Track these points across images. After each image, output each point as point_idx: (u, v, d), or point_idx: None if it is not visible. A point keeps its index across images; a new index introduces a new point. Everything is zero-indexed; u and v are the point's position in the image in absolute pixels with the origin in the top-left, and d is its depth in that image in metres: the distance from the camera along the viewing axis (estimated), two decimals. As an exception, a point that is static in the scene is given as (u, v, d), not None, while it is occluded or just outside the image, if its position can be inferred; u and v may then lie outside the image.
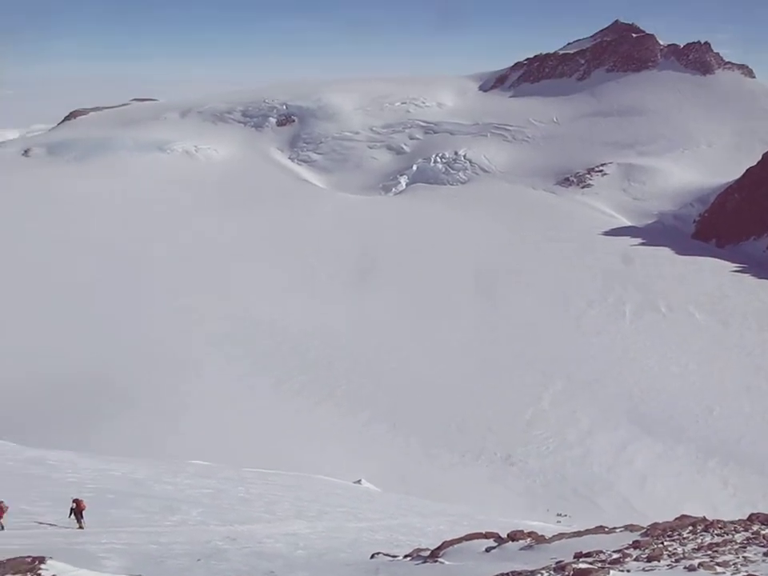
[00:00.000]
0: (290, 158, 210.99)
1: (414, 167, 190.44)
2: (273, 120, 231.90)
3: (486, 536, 23.21)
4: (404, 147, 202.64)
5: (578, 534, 23.48)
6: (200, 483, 40.46)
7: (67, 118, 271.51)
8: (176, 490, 37.29)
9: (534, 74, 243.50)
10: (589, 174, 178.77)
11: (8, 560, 11.73)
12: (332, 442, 71.38)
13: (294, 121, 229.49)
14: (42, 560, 11.80)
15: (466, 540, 22.64)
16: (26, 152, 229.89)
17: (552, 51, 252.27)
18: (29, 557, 11.96)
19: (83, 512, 24.94)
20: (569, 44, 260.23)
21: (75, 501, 25.09)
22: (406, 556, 21.95)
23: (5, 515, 22.38)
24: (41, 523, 24.72)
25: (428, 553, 21.63)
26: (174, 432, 69.54)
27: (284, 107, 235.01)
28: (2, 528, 22.02)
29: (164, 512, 30.86)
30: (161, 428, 70.97)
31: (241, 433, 71.58)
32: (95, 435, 66.13)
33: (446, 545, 22.07)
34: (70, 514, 24.83)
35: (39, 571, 11.49)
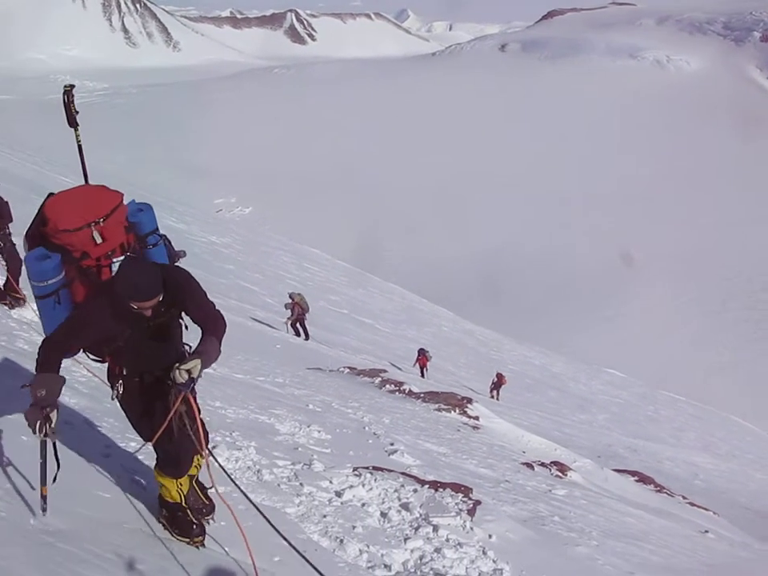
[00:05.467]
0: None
1: None
2: (756, 35, 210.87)
3: None
4: None
5: None
6: (612, 392, 40.72)
7: (545, 17, 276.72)
8: (589, 392, 38.05)
9: None
10: None
11: (441, 392, 13.29)
12: (759, 385, 66.59)
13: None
14: (469, 401, 13.20)
15: None
16: (502, 47, 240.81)
17: None
18: (459, 395, 13.39)
19: (502, 386, 26.98)
20: None
21: (498, 375, 27.17)
22: (816, 523, 20.19)
23: (428, 364, 25.19)
24: (464, 386, 27.07)
25: None
26: (598, 338, 70.35)
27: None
28: (423, 376, 24.66)
29: (573, 408, 31.86)
30: (587, 331, 72.29)
31: (663, 353, 70.10)
32: (524, 322, 69.51)
33: None
34: (492, 385, 27.00)
35: (465, 408, 12.86)
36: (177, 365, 4.12)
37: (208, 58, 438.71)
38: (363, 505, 6.78)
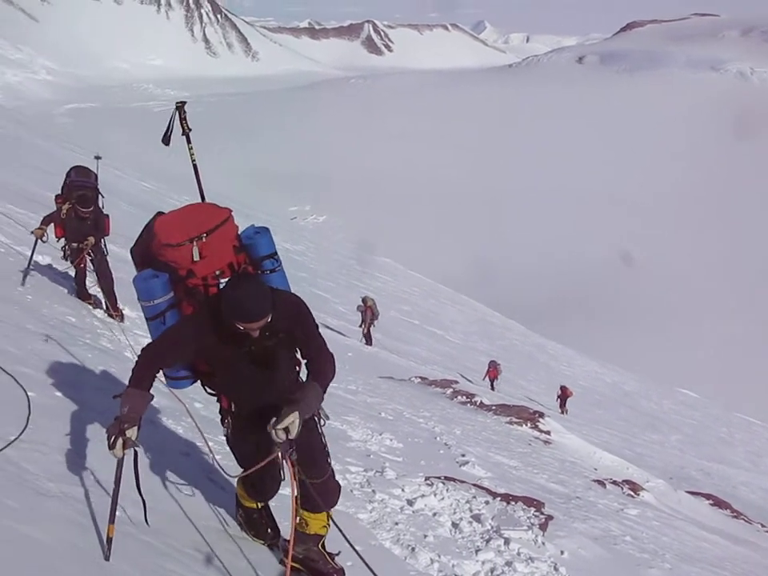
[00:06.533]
0: None
1: None
2: None
3: None
4: None
5: None
6: (685, 412, 39.82)
7: (624, 29, 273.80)
8: (660, 411, 37.30)
9: None
10: None
11: (513, 406, 13.23)
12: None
13: None
14: (541, 415, 13.14)
15: None
16: (580, 59, 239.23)
17: None
18: (530, 409, 13.32)
19: (568, 399, 26.79)
20: None
21: (562, 387, 27.03)
22: None
23: (499, 377, 25.08)
24: (533, 400, 26.83)
25: None
26: (669, 356, 68.91)
27: None
28: (492, 389, 24.51)
29: (644, 427, 31.23)
30: (659, 349, 70.87)
31: (735, 375, 68.23)
32: (596, 337, 68.45)
33: None
34: (557, 399, 26.86)
35: (537, 422, 12.78)
36: (273, 421, 3.78)
37: (286, 68, 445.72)
38: (435, 514, 6.80)
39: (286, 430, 3.75)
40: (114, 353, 8.42)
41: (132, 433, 3.81)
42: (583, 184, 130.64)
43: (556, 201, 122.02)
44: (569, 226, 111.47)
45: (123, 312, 10.39)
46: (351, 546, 4.10)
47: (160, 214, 4.36)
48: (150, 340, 9.31)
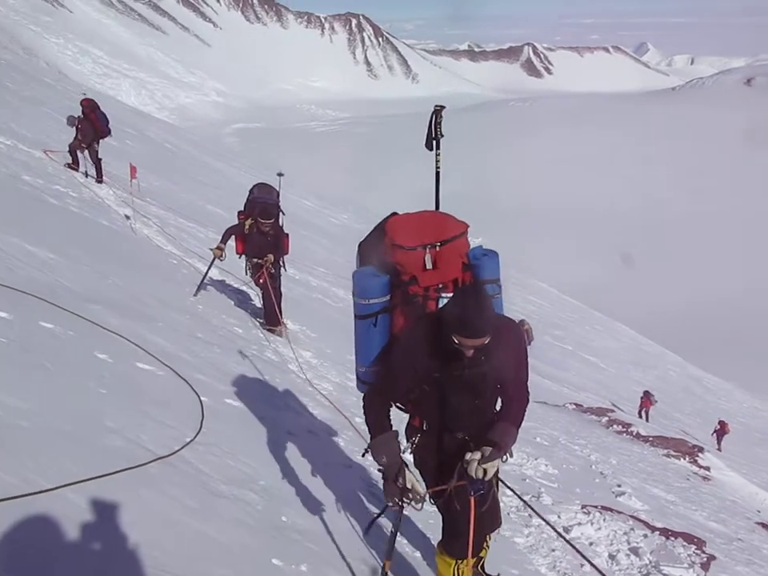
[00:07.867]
0: None
1: None
2: None
3: None
4: None
5: None
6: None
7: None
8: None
9: None
10: None
11: (671, 438, 12.80)
12: None
13: None
14: (700, 449, 12.61)
15: None
16: (748, 81, 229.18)
17: None
18: (689, 443, 12.85)
19: (725, 435, 25.63)
20: None
21: (721, 422, 25.87)
22: None
23: (651, 408, 24.32)
24: (688, 434, 25.77)
25: None
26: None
27: None
28: (646, 420, 23.75)
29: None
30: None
31: None
32: (754, 372, 64.79)
33: None
34: (714, 433, 25.74)
35: (696, 457, 12.30)
36: (473, 456, 3.64)
37: (445, 90, 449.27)
38: (591, 544, 6.66)
39: (486, 470, 3.63)
40: (278, 365, 8.79)
41: (407, 481, 3.80)
42: (752, 213, 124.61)
43: (722, 229, 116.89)
44: (736, 255, 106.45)
45: (287, 325, 10.81)
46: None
47: (393, 214, 4.26)
48: (311, 353, 9.68)
